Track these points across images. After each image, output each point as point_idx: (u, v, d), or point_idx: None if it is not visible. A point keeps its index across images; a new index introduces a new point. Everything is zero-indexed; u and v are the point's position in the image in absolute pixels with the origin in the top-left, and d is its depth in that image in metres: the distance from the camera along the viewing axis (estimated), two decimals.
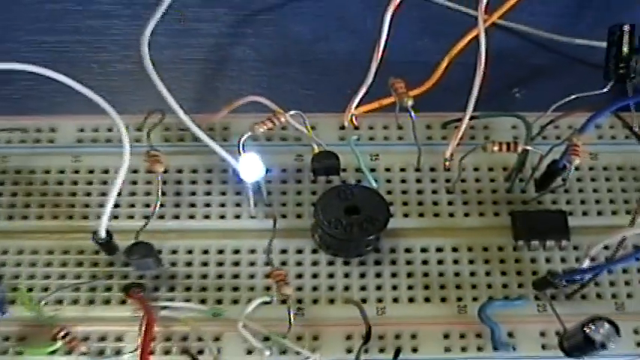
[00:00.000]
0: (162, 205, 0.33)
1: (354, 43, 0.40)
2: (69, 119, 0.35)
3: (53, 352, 0.31)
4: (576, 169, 0.34)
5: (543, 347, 0.32)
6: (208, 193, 0.34)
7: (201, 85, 0.38)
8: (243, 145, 0.31)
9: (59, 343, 0.31)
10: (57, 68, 0.34)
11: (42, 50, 0.39)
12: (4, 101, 0.37)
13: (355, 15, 0.41)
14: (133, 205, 0.33)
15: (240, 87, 0.39)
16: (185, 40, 0.39)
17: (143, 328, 0.30)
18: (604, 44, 0.39)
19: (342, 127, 0.35)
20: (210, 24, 0.41)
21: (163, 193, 0.33)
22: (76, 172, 0.34)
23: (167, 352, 0.31)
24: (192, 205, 0.34)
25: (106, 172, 0.35)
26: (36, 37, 0.40)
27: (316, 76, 0.40)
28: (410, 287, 0.33)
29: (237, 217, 0.33)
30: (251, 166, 0.30)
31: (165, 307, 0.31)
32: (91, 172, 0.34)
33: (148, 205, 0.34)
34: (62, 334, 0.31)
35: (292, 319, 0.31)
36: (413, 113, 0.34)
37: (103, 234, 0.31)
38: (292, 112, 0.34)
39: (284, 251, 0.33)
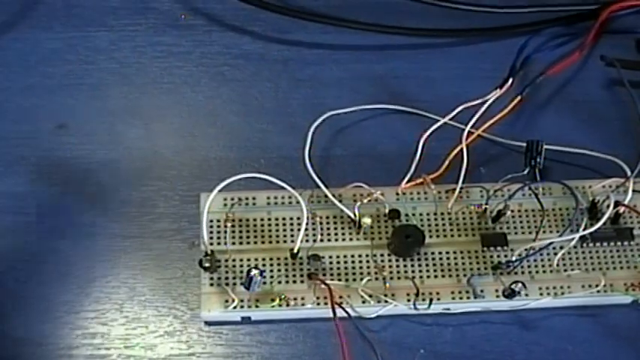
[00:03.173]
0: (314, 234, 0.54)
1: (398, 146, 0.59)
2: (263, 192, 0.56)
3: (274, 306, 0.52)
4: (511, 211, 0.55)
5: (497, 296, 0.53)
6: (336, 228, 0.55)
7: (321, 173, 0.58)
8: (358, 208, 0.57)
9: (277, 300, 0.52)
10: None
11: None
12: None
13: (400, 129, 0.61)
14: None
15: (342, 172, 0.58)
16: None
17: (328, 295, 0.51)
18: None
19: (397, 194, 0.56)
20: (318, 134, 0.59)
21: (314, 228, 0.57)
22: (269, 219, 0.56)
23: (326, 304, 0.52)
24: (329, 234, 0.55)
25: (284, 219, 0.55)
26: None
27: (381, 164, 0.59)
28: (435, 270, 0.53)
29: (351, 239, 0.55)
30: (365, 221, 0.57)
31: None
32: (277, 219, 0.55)
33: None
34: (279, 295, 0.52)
35: (385, 285, 0.53)
36: (433, 187, 0.56)
37: (295, 250, 0.56)
38: (379, 192, 0.57)
39: (374, 255, 0.54)
